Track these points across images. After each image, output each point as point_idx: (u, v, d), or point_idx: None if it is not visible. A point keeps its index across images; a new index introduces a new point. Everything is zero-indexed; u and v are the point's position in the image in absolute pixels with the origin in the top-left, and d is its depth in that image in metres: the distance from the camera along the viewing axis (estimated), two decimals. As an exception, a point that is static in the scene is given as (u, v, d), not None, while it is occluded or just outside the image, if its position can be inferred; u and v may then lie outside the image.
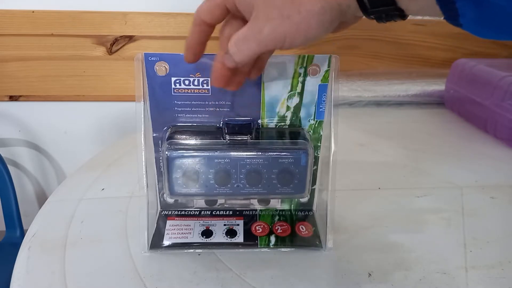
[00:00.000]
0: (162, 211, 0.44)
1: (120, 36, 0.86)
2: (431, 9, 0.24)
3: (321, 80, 0.38)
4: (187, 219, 0.44)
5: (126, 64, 0.88)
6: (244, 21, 0.31)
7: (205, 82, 0.37)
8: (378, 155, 0.65)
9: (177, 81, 0.37)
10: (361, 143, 0.68)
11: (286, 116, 0.40)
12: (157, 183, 0.42)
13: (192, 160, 0.39)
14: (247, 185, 0.40)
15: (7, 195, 0.80)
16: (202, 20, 0.32)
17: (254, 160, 0.39)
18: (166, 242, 0.41)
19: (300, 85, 0.38)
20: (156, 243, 0.41)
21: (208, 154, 0.38)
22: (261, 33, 0.29)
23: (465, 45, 0.93)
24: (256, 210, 0.45)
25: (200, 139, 0.39)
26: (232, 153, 0.38)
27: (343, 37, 0.90)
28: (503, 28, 0.24)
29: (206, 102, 0.38)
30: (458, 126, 0.77)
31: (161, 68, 0.37)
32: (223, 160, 0.39)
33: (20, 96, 0.90)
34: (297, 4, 0.27)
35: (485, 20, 0.24)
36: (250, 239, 0.42)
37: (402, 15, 0.27)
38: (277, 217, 0.44)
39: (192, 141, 0.39)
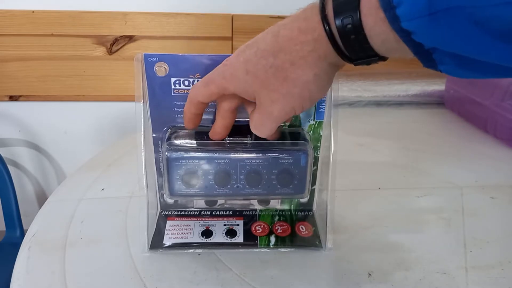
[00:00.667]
0: (162, 211, 0.44)
1: (120, 36, 0.86)
2: (411, 56, 0.26)
3: (321, 80, 0.38)
4: (187, 219, 0.44)
5: (126, 64, 0.88)
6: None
7: (205, 82, 0.37)
8: (378, 155, 0.65)
9: (177, 81, 0.37)
10: (361, 143, 0.68)
11: (286, 116, 0.40)
12: (157, 184, 0.42)
13: (192, 161, 0.39)
14: (247, 186, 0.40)
15: (7, 195, 0.80)
16: (198, 101, 0.34)
17: (254, 161, 0.39)
18: (166, 242, 0.41)
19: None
20: (156, 243, 0.41)
21: (208, 155, 0.38)
22: (272, 114, 0.31)
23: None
24: (256, 210, 0.45)
25: (200, 140, 0.39)
26: (232, 153, 0.38)
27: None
28: (486, 71, 0.25)
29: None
30: (458, 126, 0.77)
31: (161, 69, 0.37)
32: (222, 161, 0.39)
33: (20, 96, 0.90)
34: (291, 80, 0.29)
35: (465, 66, 0.25)
36: (250, 239, 0.42)
37: (384, 59, 0.28)
38: (277, 217, 0.44)
39: (192, 141, 0.39)
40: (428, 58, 0.25)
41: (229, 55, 0.37)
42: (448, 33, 0.23)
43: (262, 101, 0.31)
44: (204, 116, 0.39)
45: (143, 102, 0.38)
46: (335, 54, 0.28)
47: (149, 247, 0.41)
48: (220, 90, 0.33)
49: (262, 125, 0.33)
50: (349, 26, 0.26)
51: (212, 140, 0.38)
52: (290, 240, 0.42)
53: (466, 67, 0.25)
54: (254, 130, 0.34)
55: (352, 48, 0.27)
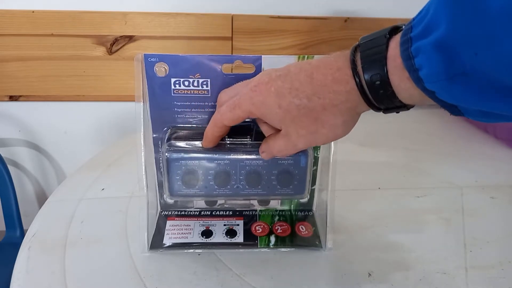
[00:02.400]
0: (162, 211, 0.44)
1: (120, 36, 0.86)
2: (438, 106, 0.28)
3: (321, 80, 0.38)
4: (187, 219, 0.44)
5: (126, 64, 0.88)
6: None
7: (204, 83, 0.37)
8: (378, 155, 0.65)
9: (177, 82, 0.37)
10: (361, 143, 0.68)
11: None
12: (157, 184, 0.42)
13: (192, 162, 0.39)
14: (247, 186, 0.40)
15: (7, 195, 0.80)
16: (224, 124, 0.35)
17: (254, 162, 0.39)
18: (166, 242, 0.41)
19: (300, 85, 0.38)
20: (156, 243, 0.41)
21: (207, 155, 0.38)
22: (296, 146, 0.33)
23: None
24: (256, 210, 0.45)
25: (200, 140, 0.39)
26: (231, 154, 0.38)
27: (343, 37, 0.90)
28: (509, 118, 0.26)
29: (206, 103, 0.38)
30: (458, 126, 0.77)
31: (161, 69, 0.37)
32: (222, 162, 0.39)
33: (20, 96, 0.90)
34: (321, 121, 0.31)
35: (489, 116, 0.26)
36: (250, 239, 0.42)
37: (413, 106, 0.30)
38: (277, 217, 0.44)
39: (192, 142, 0.39)
40: (454, 110, 0.27)
41: (229, 55, 0.37)
42: (466, 94, 0.24)
43: (289, 133, 0.33)
44: (202, 116, 0.39)
45: (143, 102, 0.38)
46: (366, 105, 0.30)
47: (149, 247, 0.41)
48: (246, 114, 0.33)
49: (285, 150, 0.34)
50: (378, 82, 0.28)
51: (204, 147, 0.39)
52: (290, 240, 0.42)
53: (490, 117, 0.26)
54: (275, 152, 0.35)
55: (381, 101, 0.29)
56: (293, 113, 0.31)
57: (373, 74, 0.27)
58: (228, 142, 0.39)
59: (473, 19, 0.22)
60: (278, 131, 0.34)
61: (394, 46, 0.27)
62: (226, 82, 0.38)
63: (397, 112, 0.30)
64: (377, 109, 0.30)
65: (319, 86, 0.30)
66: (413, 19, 0.26)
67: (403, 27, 0.28)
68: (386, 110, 0.30)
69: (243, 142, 0.39)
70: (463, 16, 0.22)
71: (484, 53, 0.22)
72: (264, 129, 0.36)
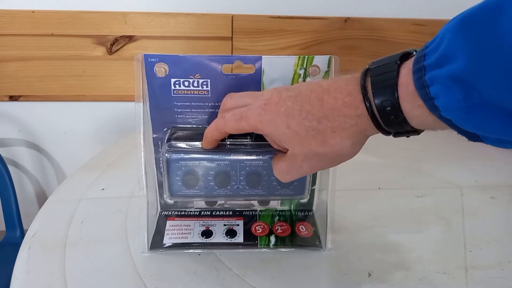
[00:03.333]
0: (162, 212, 0.44)
1: (120, 36, 0.86)
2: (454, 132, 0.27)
3: (321, 81, 0.38)
4: (187, 219, 0.44)
5: (126, 64, 0.88)
6: None
7: (204, 83, 0.37)
8: (378, 155, 0.65)
9: (177, 82, 0.37)
10: (361, 143, 0.68)
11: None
12: (157, 184, 0.42)
13: (192, 162, 0.39)
14: (247, 187, 0.40)
15: (7, 195, 0.80)
16: (226, 131, 0.35)
17: (254, 162, 0.39)
18: (166, 242, 0.41)
19: (300, 85, 0.38)
20: (156, 243, 0.41)
21: (207, 156, 0.38)
22: (301, 169, 0.33)
23: (465, 45, 0.92)
24: (256, 210, 0.45)
25: (200, 141, 0.39)
26: (231, 155, 0.38)
27: (343, 37, 0.90)
28: None
29: (206, 103, 0.38)
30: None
31: (161, 69, 0.37)
32: (222, 162, 0.39)
33: (20, 96, 0.90)
34: (329, 145, 0.31)
35: (508, 143, 0.26)
36: (250, 239, 0.42)
37: (423, 130, 0.30)
38: (277, 217, 0.44)
39: (192, 143, 0.39)
40: (473, 136, 0.27)
41: (229, 56, 0.37)
42: (485, 122, 0.24)
43: (295, 155, 0.32)
44: (202, 116, 0.39)
45: (143, 102, 0.38)
46: (375, 129, 0.30)
47: (149, 247, 0.41)
48: (251, 129, 0.33)
49: (288, 174, 0.34)
50: (388, 108, 0.27)
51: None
52: (290, 240, 0.42)
53: (510, 144, 0.26)
54: (277, 175, 0.35)
55: (391, 126, 0.29)
56: (301, 134, 0.31)
57: (383, 100, 0.27)
58: (228, 142, 0.39)
59: (489, 54, 0.22)
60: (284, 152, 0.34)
61: (406, 72, 0.27)
62: (226, 82, 0.38)
63: (407, 137, 0.30)
64: (386, 133, 0.30)
65: (330, 109, 0.30)
66: (426, 46, 0.26)
67: (414, 53, 0.27)
68: (396, 134, 0.30)
69: (243, 143, 0.39)
70: (480, 51, 0.22)
71: (502, 87, 0.22)
72: (273, 146, 0.36)
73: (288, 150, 0.33)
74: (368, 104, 0.28)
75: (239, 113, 0.34)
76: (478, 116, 0.24)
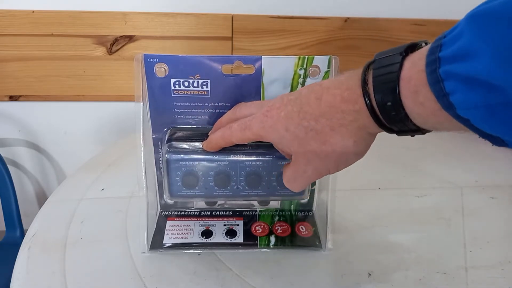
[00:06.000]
0: (162, 212, 0.44)
1: (120, 36, 0.86)
2: (464, 132, 0.25)
3: (321, 81, 0.38)
4: (187, 219, 0.44)
5: (126, 64, 0.88)
6: None
7: (204, 83, 0.37)
8: (378, 155, 0.65)
9: (177, 82, 0.37)
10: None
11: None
12: (156, 184, 0.42)
13: (192, 163, 0.39)
14: (246, 187, 0.40)
15: (7, 195, 0.80)
16: (232, 141, 0.35)
17: (254, 163, 0.39)
18: (166, 243, 0.41)
19: (300, 86, 0.38)
20: (156, 243, 0.41)
21: (207, 156, 0.38)
22: (306, 173, 0.32)
23: (465, 45, 0.92)
24: (256, 210, 0.45)
25: (200, 141, 0.39)
26: (231, 155, 0.38)
27: (343, 37, 0.90)
28: None
29: (206, 104, 0.38)
30: (458, 126, 0.77)
31: (161, 70, 0.37)
32: (222, 163, 0.39)
33: (20, 96, 0.90)
34: (329, 144, 0.29)
35: None
36: (250, 239, 0.42)
37: (429, 130, 0.27)
38: (277, 217, 0.44)
39: (192, 143, 0.39)
40: (496, 140, 0.24)
41: (229, 56, 0.37)
42: (508, 125, 0.22)
43: (298, 159, 0.32)
44: (202, 116, 0.39)
45: (143, 102, 0.38)
46: (376, 126, 0.28)
47: (149, 247, 0.41)
48: (256, 138, 0.33)
49: (295, 181, 0.33)
50: (389, 104, 0.25)
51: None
52: (290, 240, 0.42)
53: None
54: (286, 184, 0.34)
55: (393, 123, 0.27)
56: (300, 136, 0.30)
57: (384, 94, 0.25)
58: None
59: None
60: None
61: (410, 66, 0.25)
62: (226, 82, 0.38)
63: (412, 136, 0.28)
64: (389, 130, 0.28)
65: (327, 107, 0.29)
66: (444, 35, 0.23)
67: (423, 45, 0.25)
68: (400, 133, 0.28)
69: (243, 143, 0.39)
70: (507, 51, 0.20)
71: None
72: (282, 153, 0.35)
73: (292, 155, 0.32)
74: (367, 99, 0.26)
75: (243, 123, 0.34)
76: (502, 117, 0.21)
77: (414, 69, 0.24)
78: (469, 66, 0.21)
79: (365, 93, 0.27)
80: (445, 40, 0.23)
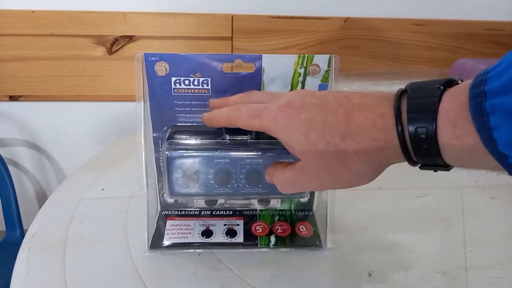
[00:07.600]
0: (162, 211, 0.44)
1: (120, 36, 0.86)
2: (493, 170, 0.25)
3: (321, 80, 0.38)
4: (187, 219, 0.44)
5: (126, 64, 0.88)
6: None
7: (205, 82, 0.37)
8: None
9: (177, 81, 0.37)
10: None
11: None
12: (157, 183, 0.42)
13: (192, 160, 0.39)
14: (247, 185, 0.40)
15: (7, 195, 0.80)
16: (236, 125, 0.33)
17: (254, 160, 0.39)
18: (166, 242, 0.41)
19: (300, 85, 0.38)
20: (156, 243, 0.41)
21: (208, 154, 0.38)
22: (310, 184, 0.31)
23: (465, 45, 0.93)
24: (256, 210, 0.45)
25: (200, 139, 0.39)
26: (232, 153, 0.38)
27: (343, 37, 0.90)
28: None
29: (206, 102, 0.38)
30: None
31: (161, 68, 0.37)
32: (223, 160, 0.39)
33: (20, 96, 0.90)
34: (348, 167, 0.28)
35: None
36: (250, 239, 0.42)
37: (452, 167, 0.27)
38: (277, 217, 0.44)
39: (192, 141, 0.39)
40: None
41: (230, 54, 0.37)
42: None
43: (306, 167, 0.30)
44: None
45: (143, 101, 0.38)
46: (402, 158, 0.27)
47: (149, 247, 0.41)
48: (263, 129, 0.31)
49: (293, 185, 0.32)
50: (423, 136, 0.25)
51: (205, 124, 0.36)
52: (290, 240, 0.42)
53: None
54: (278, 183, 0.33)
55: (422, 156, 0.26)
56: (320, 148, 0.28)
57: (419, 126, 0.25)
58: (228, 140, 0.39)
59: None
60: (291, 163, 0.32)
61: (448, 99, 0.24)
62: (226, 81, 0.38)
63: (435, 171, 0.27)
64: (413, 163, 0.27)
65: (357, 127, 0.27)
66: (487, 71, 0.23)
67: (460, 81, 0.25)
68: (423, 167, 0.27)
69: (243, 140, 0.39)
70: None
71: None
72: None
73: (298, 160, 0.31)
74: (400, 128, 0.26)
75: (254, 109, 0.32)
76: None
77: (453, 102, 0.24)
78: None
79: (399, 122, 0.26)
80: (490, 75, 0.23)
